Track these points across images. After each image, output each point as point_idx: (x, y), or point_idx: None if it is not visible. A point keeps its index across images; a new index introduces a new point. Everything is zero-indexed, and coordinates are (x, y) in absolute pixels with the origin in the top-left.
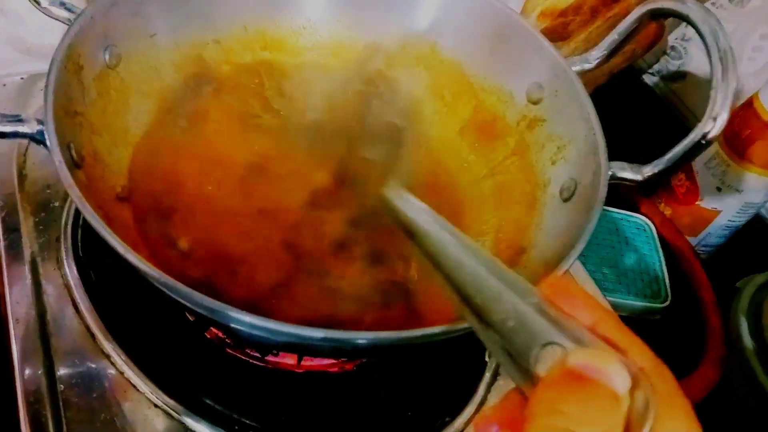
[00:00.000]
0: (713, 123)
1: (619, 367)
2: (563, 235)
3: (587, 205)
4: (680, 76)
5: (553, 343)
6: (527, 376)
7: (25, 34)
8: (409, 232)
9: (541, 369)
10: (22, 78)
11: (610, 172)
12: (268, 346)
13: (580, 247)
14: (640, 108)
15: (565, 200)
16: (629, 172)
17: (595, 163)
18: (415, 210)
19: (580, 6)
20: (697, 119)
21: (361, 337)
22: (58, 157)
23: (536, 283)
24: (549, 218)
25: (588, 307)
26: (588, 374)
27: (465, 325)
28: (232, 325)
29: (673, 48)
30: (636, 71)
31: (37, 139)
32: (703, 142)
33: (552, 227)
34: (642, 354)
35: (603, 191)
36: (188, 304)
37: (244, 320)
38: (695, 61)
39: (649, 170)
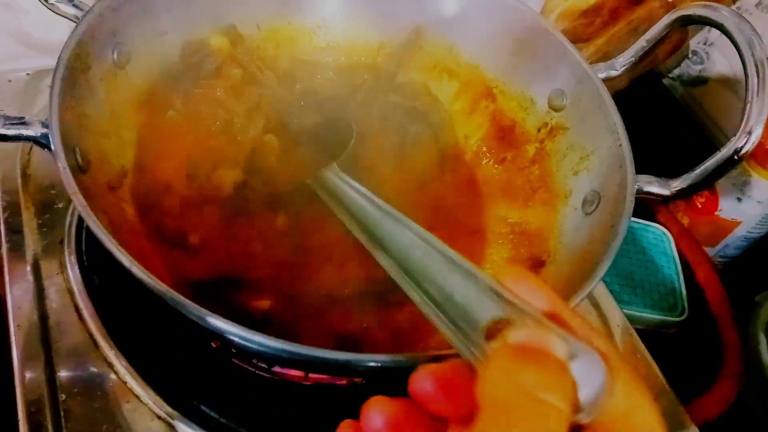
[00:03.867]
0: (747, 137)
1: (558, 337)
2: (584, 251)
3: (611, 221)
4: (701, 81)
5: (501, 319)
6: (474, 348)
7: (31, 29)
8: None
9: (489, 343)
10: (27, 74)
11: (636, 186)
12: (275, 360)
13: (606, 264)
14: (660, 113)
15: (588, 214)
16: (656, 187)
17: (621, 176)
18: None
19: (601, 7)
20: (717, 125)
21: (380, 359)
22: (62, 163)
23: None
24: (570, 231)
25: (545, 296)
26: (535, 345)
27: None
28: (241, 343)
29: (695, 53)
30: (657, 75)
31: (42, 142)
32: (736, 157)
33: (573, 241)
34: (599, 339)
35: (630, 206)
36: (196, 320)
37: (253, 339)
38: (717, 67)
39: (677, 185)
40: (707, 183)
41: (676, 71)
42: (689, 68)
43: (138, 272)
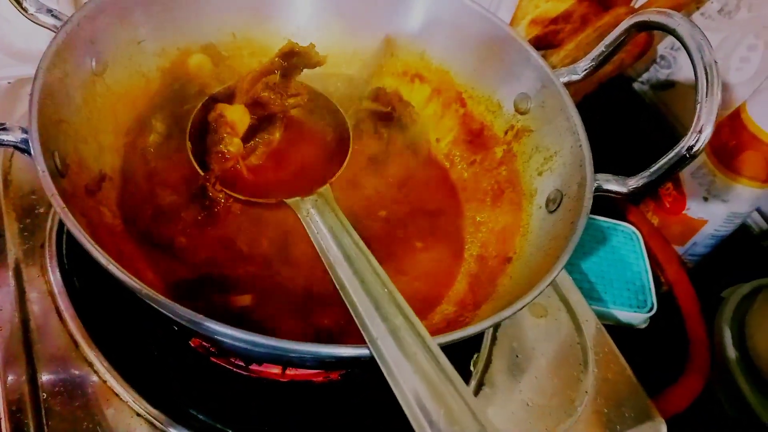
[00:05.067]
0: (698, 136)
1: None
2: (549, 246)
3: (572, 217)
4: (669, 84)
5: None
6: None
7: (12, 39)
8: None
9: None
10: (9, 82)
11: (595, 184)
12: (252, 357)
13: (564, 259)
14: (629, 116)
15: (551, 211)
16: (614, 185)
17: (581, 175)
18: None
19: (570, 14)
20: (686, 128)
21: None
22: (41, 167)
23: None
24: (535, 228)
25: None
26: None
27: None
28: (216, 338)
29: (662, 57)
30: (625, 80)
31: (21, 147)
32: (688, 156)
33: (538, 238)
34: None
35: (588, 203)
36: (171, 316)
37: (225, 333)
38: (684, 71)
39: (634, 183)
40: (662, 180)
41: (645, 75)
42: (657, 72)
43: (114, 270)
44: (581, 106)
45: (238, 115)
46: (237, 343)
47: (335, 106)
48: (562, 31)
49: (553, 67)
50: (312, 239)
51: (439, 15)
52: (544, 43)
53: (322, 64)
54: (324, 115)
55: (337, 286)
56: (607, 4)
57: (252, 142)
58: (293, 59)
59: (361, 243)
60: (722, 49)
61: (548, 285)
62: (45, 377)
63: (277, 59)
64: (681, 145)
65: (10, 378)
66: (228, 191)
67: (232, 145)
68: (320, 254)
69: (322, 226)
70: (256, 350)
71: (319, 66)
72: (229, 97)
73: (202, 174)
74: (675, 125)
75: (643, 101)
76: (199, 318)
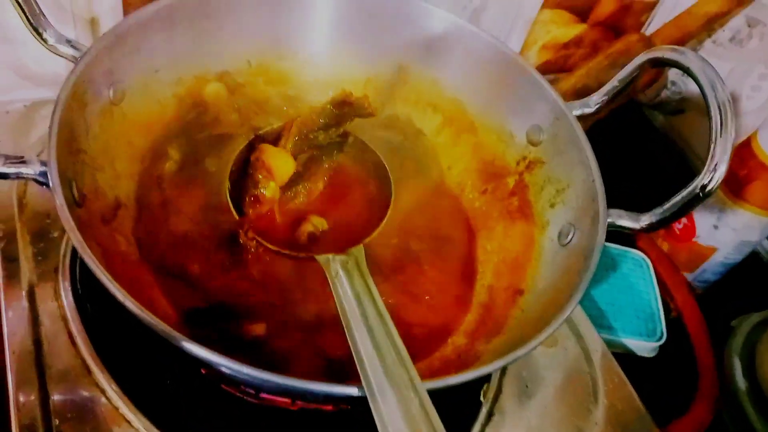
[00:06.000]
0: (711, 175)
1: None
2: (561, 281)
3: (584, 252)
4: (680, 110)
5: None
6: None
7: (28, 61)
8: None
9: None
10: (25, 105)
11: (608, 220)
12: (263, 388)
13: (577, 297)
14: (640, 141)
15: (563, 245)
16: (627, 221)
17: (594, 210)
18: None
19: (582, 39)
20: (696, 153)
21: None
22: (60, 200)
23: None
24: (547, 262)
25: None
26: None
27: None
28: (228, 373)
29: (673, 83)
30: (636, 105)
31: (40, 180)
32: (701, 194)
33: (550, 271)
34: None
35: (601, 240)
36: (188, 353)
37: (238, 370)
38: (695, 96)
39: (646, 219)
40: (675, 218)
41: (655, 100)
42: (668, 98)
43: (130, 305)
44: (592, 131)
45: (279, 161)
46: (249, 379)
47: (381, 161)
48: (573, 56)
49: (565, 92)
50: (335, 300)
51: (453, 44)
52: (555, 67)
53: (374, 115)
54: (368, 168)
55: (352, 350)
56: (619, 31)
57: (293, 190)
58: (345, 108)
59: (386, 314)
60: (733, 78)
61: (561, 324)
62: (57, 402)
63: (329, 107)
64: (695, 183)
65: (22, 401)
66: (260, 239)
67: (268, 189)
68: (341, 315)
69: (349, 290)
70: (267, 386)
71: (371, 117)
72: (275, 139)
73: (237, 218)
74: (684, 150)
75: (653, 126)
76: (213, 357)
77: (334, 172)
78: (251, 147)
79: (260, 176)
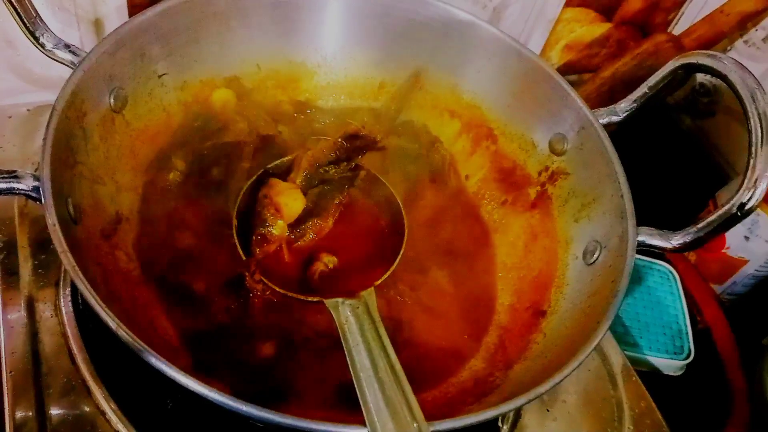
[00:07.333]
0: (751, 192)
1: None
2: (586, 304)
3: (612, 275)
4: (709, 113)
5: None
6: None
7: (32, 65)
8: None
9: None
10: (28, 110)
11: (638, 238)
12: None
13: (606, 325)
14: (667, 144)
15: (589, 264)
16: (658, 240)
17: (622, 228)
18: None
19: (607, 38)
20: (724, 157)
21: None
22: (52, 219)
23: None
24: (572, 281)
25: None
26: None
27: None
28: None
29: (702, 85)
30: (664, 107)
31: (33, 196)
32: (739, 213)
33: (575, 292)
34: None
35: (630, 261)
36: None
37: (244, 410)
38: (724, 99)
39: (679, 239)
40: (709, 237)
41: (684, 103)
42: (697, 100)
43: (125, 335)
44: (617, 134)
45: (288, 198)
46: (255, 419)
47: (393, 195)
48: (598, 56)
49: (589, 94)
50: (344, 347)
51: (470, 47)
52: (579, 68)
53: (386, 148)
54: (379, 203)
55: (360, 402)
56: (646, 29)
57: (302, 228)
58: (356, 141)
59: (398, 366)
60: (766, 79)
61: (588, 356)
62: (55, 420)
63: (340, 140)
64: (732, 202)
65: (19, 417)
66: (267, 282)
67: (276, 227)
68: (349, 365)
69: (359, 338)
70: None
71: (383, 150)
72: (285, 172)
73: (243, 259)
74: (713, 153)
75: (681, 129)
76: (217, 397)
77: (345, 208)
78: (260, 181)
79: (268, 214)
